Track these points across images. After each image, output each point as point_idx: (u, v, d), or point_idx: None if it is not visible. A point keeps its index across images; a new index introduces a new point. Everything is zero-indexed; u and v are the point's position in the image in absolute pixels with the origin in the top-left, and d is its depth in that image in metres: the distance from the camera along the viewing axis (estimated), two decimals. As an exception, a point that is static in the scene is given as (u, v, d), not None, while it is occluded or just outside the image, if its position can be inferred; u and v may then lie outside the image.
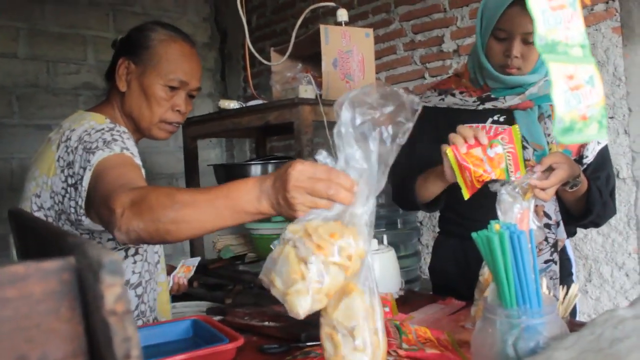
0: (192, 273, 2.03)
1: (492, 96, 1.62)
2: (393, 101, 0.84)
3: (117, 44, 1.57)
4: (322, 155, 0.90)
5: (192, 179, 2.73)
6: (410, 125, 0.83)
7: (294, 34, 2.16)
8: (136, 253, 1.45)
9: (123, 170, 1.18)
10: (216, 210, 0.97)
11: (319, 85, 2.23)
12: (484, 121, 1.62)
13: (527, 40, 1.50)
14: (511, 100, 1.57)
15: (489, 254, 0.88)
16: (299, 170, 0.89)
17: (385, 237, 1.60)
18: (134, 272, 1.45)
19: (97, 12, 4.02)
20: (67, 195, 1.30)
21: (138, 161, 1.28)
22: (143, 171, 1.28)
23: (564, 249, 1.62)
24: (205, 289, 2.34)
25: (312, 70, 2.43)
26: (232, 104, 2.37)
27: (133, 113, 1.49)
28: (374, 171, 0.86)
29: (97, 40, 4.01)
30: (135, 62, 1.48)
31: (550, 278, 1.48)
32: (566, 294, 1.08)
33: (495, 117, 1.61)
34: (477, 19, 1.61)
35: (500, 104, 1.59)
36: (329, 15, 3.64)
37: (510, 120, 1.57)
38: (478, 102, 1.63)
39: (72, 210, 1.29)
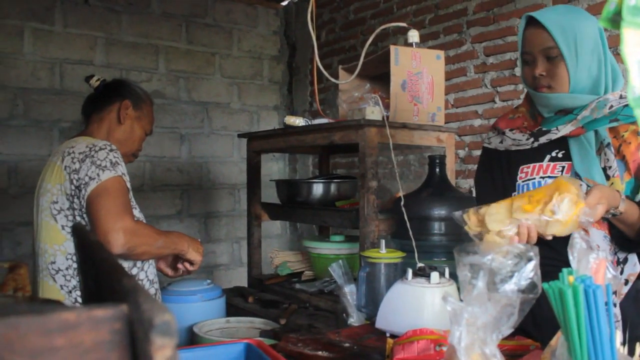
0: None
1: (544, 129, 1.56)
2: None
3: (105, 86, 2.02)
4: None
5: (253, 192, 2.74)
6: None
7: (363, 54, 2.14)
8: None
9: (126, 200, 1.75)
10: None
11: (386, 106, 2.19)
12: (542, 159, 1.56)
13: (550, 56, 1.48)
14: (564, 129, 1.50)
15: (560, 307, 0.82)
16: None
17: (447, 269, 1.54)
18: None
19: (171, 23, 4.11)
20: (75, 195, 1.74)
21: (127, 184, 1.79)
22: (130, 191, 1.83)
23: None
24: (260, 305, 2.34)
25: (379, 90, 2.40)
26: (298, 121, 2.36)
27: (121, 142, 1.96)
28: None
29: (169, 50, 4.11)
30: (134, 108, 2.00)
31: None
32: (643, 350, 1.00)
33: (554, 154, 1.55)
34: None
35: (554, 136, 1.52)
36: (399, 34, 3.60)
37: (568, 155, 1.51)
38: (532, 139, 1.57)
39: (78, 207, 1.75)
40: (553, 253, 1.39)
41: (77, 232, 1.01)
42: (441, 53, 2.30)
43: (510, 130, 1.65)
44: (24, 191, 3.54)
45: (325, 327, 1.92)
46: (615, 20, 0.85)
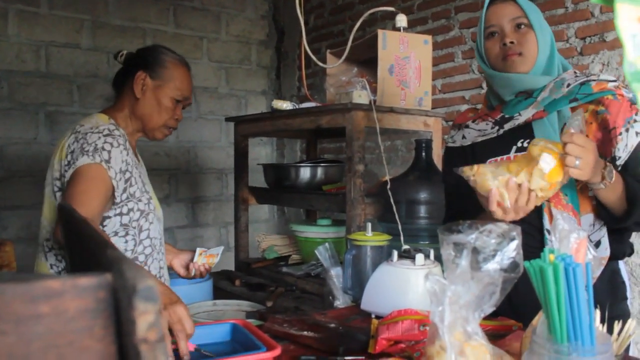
0: (217, 259, 2.02)
1: (507, 116, 1.56)
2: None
3: (128, 59, 1.91)
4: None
5: (241, 176, 2.74)
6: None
7: (350, 38, 2.14)
8: (126, 234, 1.77)
9: (91, 190, 1.62)
10: None
11: (374, 90, 2.20)
12: (509, 151, 1.54)
13: (520, 24, 1.51)
14: (526, 113, 1.50)
15: (541, 285, 0.83)
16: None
17: (432, 251, 1.55)
18: (125, 250, 1.77)
19: (158, 6, 4.08)
20: (64, 173, 1.69)
21: (111, 172, 1.66)
22: (113, 181, 1.68)
23: (617, 272, 1.54)
24: (247, 288, 2.35)
25: (367, 74, 2.40)
26: (286, 105, 2.36)
27: (144, 117, 1.84)
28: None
29: (157, 33, 4.08)
30: (151, 77, 1.83)
31: None
32: (621, 329, 1.02)
33: (519, 144, 1.54)
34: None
35: (517, 121, 1.52)
36: (387, 19, 3.60)
37: None
38: (497, 127, 1.57)
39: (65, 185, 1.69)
40: (528, 239, 1.41)
41: (63, 211, 1.02)
42: (429, 38, 2.31)
43: (474, 121, 1.66)
44: (9, 175, 3.52)
45: (311, 309, 1.93)
46: (608, -5, 0.85)
